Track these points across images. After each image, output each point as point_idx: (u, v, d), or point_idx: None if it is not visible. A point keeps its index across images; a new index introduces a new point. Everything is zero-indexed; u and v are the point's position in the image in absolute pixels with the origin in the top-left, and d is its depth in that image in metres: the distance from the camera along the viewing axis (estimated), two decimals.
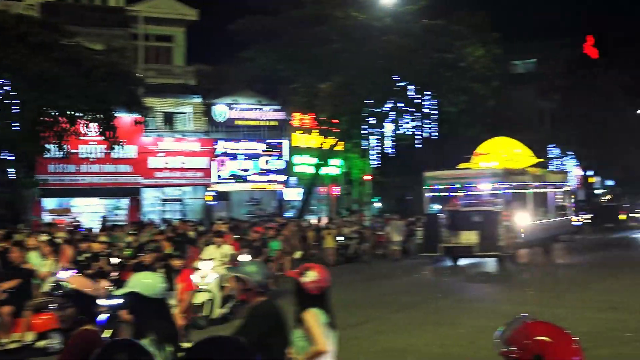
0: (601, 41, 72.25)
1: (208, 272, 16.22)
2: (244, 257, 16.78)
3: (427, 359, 12.27)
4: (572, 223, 37.43)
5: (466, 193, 28.80)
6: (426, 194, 29.45)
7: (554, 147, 60.22)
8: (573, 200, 42.97)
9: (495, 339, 3.33)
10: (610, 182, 75.69)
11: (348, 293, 20.91)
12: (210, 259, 16.48)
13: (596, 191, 72.87)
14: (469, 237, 26.78)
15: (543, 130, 59.75)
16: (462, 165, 30.10)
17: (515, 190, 29.20)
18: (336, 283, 24.60)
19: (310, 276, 5.93)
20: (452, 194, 28.97)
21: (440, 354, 12.45)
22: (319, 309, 5.91)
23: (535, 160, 32.51)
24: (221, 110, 38.86)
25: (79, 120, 29.78)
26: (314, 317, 5.84)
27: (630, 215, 53.43)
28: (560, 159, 60.71)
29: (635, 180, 75.39)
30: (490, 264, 27.13)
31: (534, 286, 20.77)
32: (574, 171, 62.33)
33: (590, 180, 70.14)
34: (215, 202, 38.10)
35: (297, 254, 25.73)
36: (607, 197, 71.94)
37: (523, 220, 28.53)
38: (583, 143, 60.64)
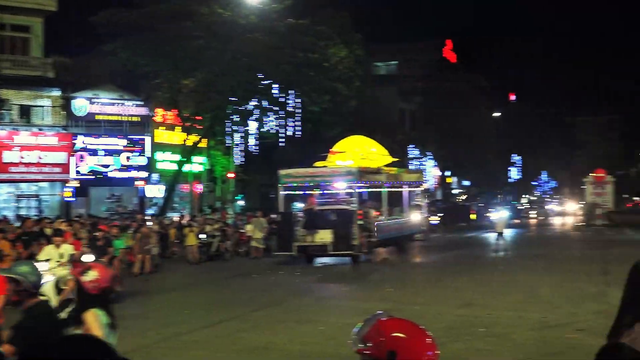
0: (460, 45, 74.79)
1: (43, 273, 15.37)
2: (87, 257, 16.19)
3: (288, 356, 12.35)
4: (428, 222, 38.30)
5: (321, 191, 28.99)
6: (281, 192, 29.51)
7: (413, 147, 61.72)
8: (429, 199, 44.11)
9: (353, 336, 3.38)
10: (466, 182, 78.26)
11: (210, 291, 20.84)
12: (47, 260, 15.37)
13: (453, 191, 75.20)
14: (324, 236, 26.91)
15: (404, 131, 61.19)
16: (318, 164, 30.25)
17: (370, 189, 29.58)
18: (198, 281, 24.21)
19: (90, 276, 5.81)
20: (306, 192, 29.08)
21: (301, 351, 12.55)
22: (100, 309, 5.81)
23: (390, 159, 33.03)
24: (81, 104, 37.82)
25: None
26: (94, 318, 5.74)
27: (485, 215, 55.30)
28: (420, 159, 62.29)
29: (491, 181, 78.56)
30: (345, 263, 27.31)
31: (391, 284, 21.15)
32: (432, 171, 64.10)
33: (448, 180, 72.26)
34: (74, 199, 37.04)
35: (154, 251, 25.54)
36: (463, 197, 74.48)
37: (378, 219, 28.97)
38: (441, 144, 62.55)
